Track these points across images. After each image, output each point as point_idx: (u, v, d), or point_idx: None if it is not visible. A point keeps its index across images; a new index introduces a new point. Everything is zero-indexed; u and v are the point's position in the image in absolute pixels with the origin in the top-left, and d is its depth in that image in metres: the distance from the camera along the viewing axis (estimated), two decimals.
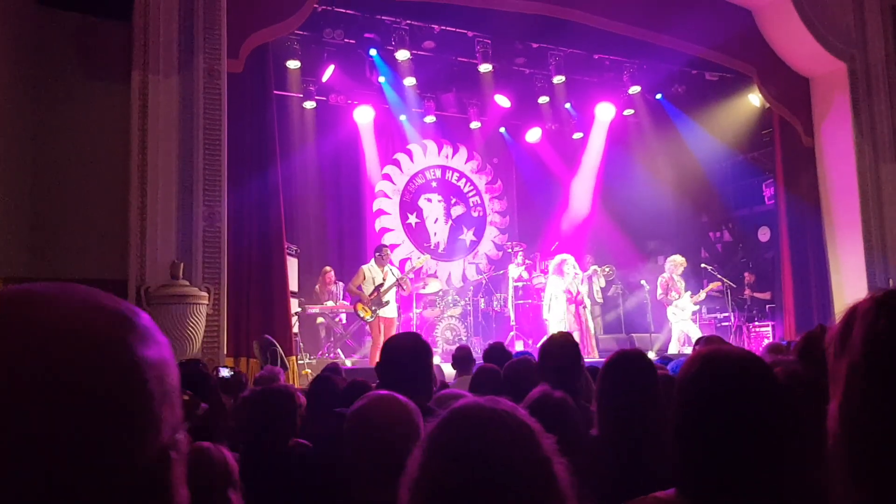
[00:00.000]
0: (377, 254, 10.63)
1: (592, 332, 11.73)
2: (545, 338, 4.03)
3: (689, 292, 11.71)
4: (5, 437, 0.62)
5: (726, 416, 1.50)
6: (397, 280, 10.41)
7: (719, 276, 12.27)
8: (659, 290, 11.75)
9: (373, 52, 11.94)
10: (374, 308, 10.16)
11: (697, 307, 11.95)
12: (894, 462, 0.89)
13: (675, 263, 11.83)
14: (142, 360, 0.69)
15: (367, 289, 10.29)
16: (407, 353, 2.97)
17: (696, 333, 11.32)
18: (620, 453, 2.35)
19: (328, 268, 11.89)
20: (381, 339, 9.94)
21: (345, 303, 11.25)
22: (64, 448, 0.63)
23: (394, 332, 10.36)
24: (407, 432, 2.04)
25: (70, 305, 0.69)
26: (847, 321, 0.99)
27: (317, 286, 11.62)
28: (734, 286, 12.58)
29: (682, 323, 11.59)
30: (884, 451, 0.90)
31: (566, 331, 11.05)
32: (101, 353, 0.66)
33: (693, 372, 1.60)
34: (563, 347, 3.66)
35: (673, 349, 11.41)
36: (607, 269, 13.41)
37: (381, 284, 10.28)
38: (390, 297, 10.36)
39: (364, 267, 10.58)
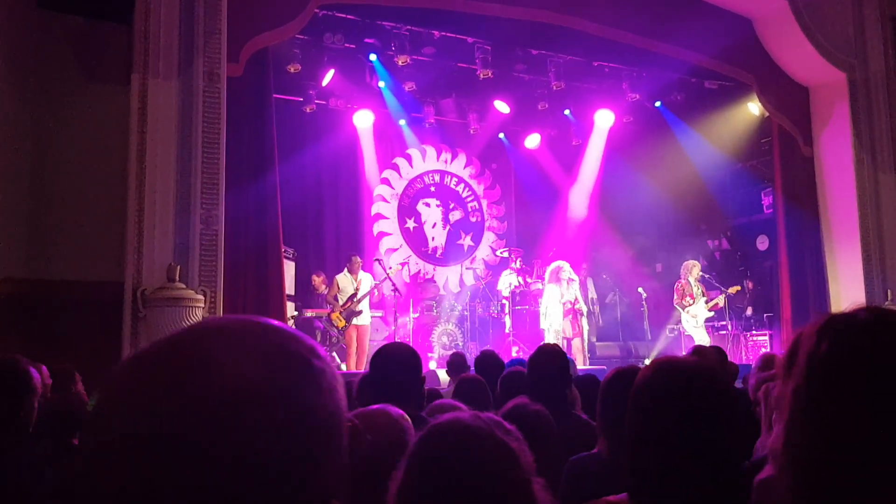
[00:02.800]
0: (348, 263, 10.99)
1: (586, 339, 11.68)
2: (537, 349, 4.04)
3: (704, 298, 11.55)
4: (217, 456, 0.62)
5: (673, 424, 1.54)
6: (373, 286, 10.83)
7: (716, 284, 12.21)
8: (675, 296, 11.57)
9: (373, 56, 11.95)
10: (347, 317, 10.52)
11: (712, 314, 11.77)
12: (828, 485, 0.90)
13: (689, 267, 11.68)
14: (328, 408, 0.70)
15: (342, 298, 10.62)
16: (399, 363, 2.96)
17: (701, 342, 11.12)
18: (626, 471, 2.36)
19: (319, 273, 11.99)
20: (355, 347, 10.44)
21: None
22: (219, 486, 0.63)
23: (367, 337, 10.62)
24: (392, 447, 2.06)
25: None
26: (793, 346, 1.00)
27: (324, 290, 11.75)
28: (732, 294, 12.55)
29: (693, 330, 11.38)
30: (819, 474, 0.91)
31: (555, 342, 11.12)
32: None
33: (645, 381, 1.64)
34: (550, 358, 3.67)
35: None
36: (604, 276, 13.42)
37: (354, 294, 10.58)
38: (363, 305, 10.68)
39: (337, 277, 10.94)
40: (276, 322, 0.72)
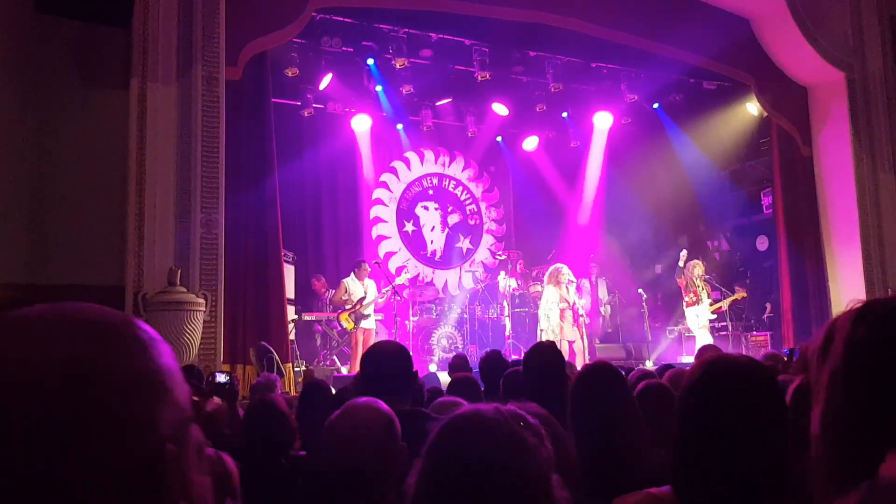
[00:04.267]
0: (356, 268, 10.96)
1: (586, 341, 11.64)
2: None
3: (709, 300, 11.55)
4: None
5: (723, 423, 1.53)
6: (374, 299, 10.83)
7: (717, 285, 12.21)
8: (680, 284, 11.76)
9: (370, 60, 11.94)
10: (356, 319, 10.53)
11: (714, 316, 11.79)
12: (870, 464, 0.90)
13: (691, 266, 11.69)
14: (134, 368, 0.74)
15: (350, 301, 10.61)
16: (391, 360, 2.96)
17: (705, 342, 11.11)
18: (595, 466, 2.35)
19: (319, 277, 11.98)
20: (361, 349, 10.34)
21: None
22: (57, 443, 0.67)
23: (372, 341, 10.61)
24: (375, 439, 2.13)
25: (68, 322, 0.74)
26: (829, 332, 1.02)
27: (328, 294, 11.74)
28: (730, 294, 12.55)
29: (697, 330, 11.41)
30: (860, 454, 0.92)
31: (550, 340, 11.09)
32: (96, 362, 0.72)
33: (696, 379, 1.62)
34: (543, 357, 3.62)
35: (688, 359, 11.28)
36: (604, 278, 13.43)
37: (363, 298, 10.61)
38: (370, 310, 10.74)
39: (345, 281, 10.90)
40: (84, 304, 0.77)
